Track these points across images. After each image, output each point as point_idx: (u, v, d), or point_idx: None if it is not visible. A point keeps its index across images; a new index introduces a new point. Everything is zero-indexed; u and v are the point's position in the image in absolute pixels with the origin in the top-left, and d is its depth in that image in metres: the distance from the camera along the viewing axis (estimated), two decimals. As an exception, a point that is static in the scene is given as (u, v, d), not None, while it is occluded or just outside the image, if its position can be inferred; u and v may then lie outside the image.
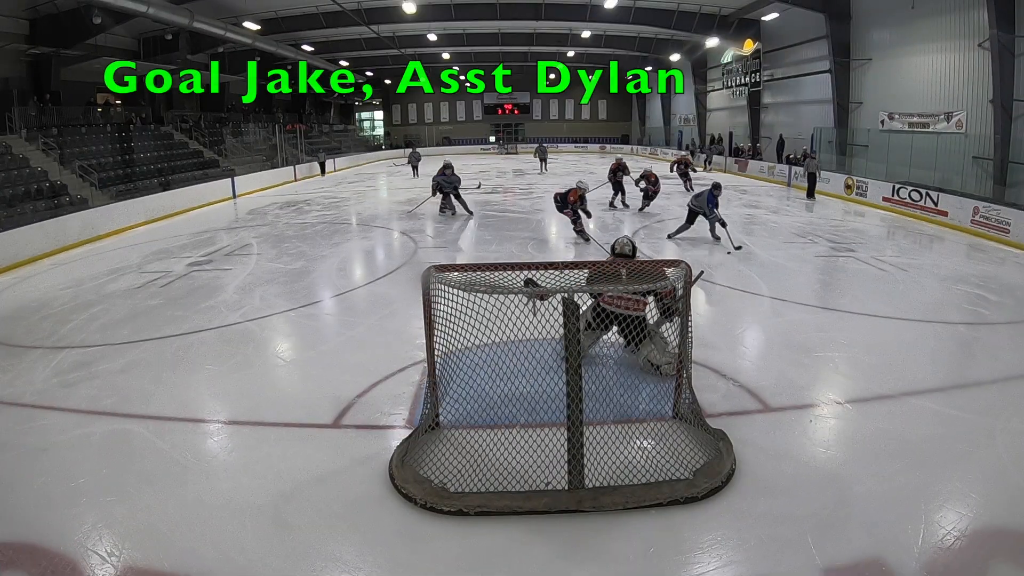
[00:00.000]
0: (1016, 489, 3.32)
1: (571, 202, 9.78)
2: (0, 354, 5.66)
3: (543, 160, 25.32)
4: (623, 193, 13.99)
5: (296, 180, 22.95)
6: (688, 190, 15.62)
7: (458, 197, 13.01)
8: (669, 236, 10.32)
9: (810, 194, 15.63)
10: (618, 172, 13.96)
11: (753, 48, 21.70)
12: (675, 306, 4.50)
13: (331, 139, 34.08)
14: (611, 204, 13.90)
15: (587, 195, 10.14)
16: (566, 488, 3.28)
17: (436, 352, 3.76)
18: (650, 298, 4.63)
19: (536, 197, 16.37)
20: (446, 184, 12.94)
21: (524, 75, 37.71)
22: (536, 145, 27.84)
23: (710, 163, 24.10)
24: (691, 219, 10.06)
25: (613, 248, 5.32)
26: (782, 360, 5.19)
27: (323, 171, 25.80)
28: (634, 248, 5.26)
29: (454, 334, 3.68)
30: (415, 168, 23.62)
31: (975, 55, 12.79)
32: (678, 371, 3.96)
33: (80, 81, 18.88)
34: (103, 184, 14.99)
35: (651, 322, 4.77)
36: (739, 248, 9.23)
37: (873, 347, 5.40)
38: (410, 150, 26.32)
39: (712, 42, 22.57)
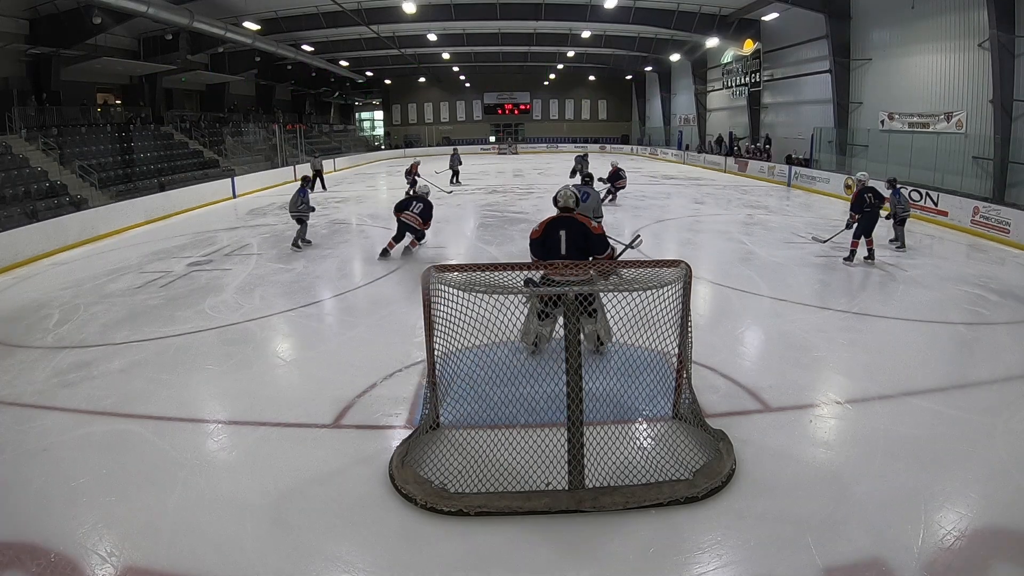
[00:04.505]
0: (1016, 489, 3.32)
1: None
2: (0, 354, 5.66)
3: (455, 173, 18.80)
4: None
5: (235, 196, 17.26)
6: None
7: None
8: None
9: None
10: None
11: (753, 48, 21.71)
12: (612, 268, 4.23)
13: (331, 139, 34.09)
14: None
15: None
16: (566, 488, 3.28)
17: (436, 352, 3.76)
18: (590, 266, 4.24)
19: (537, 197, 16.36)
20: None
21: (524, 75, 37.74)
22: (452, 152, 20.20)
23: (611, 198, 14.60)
24: None
25: (555, 200, 4.99)
26: (782, 360, 5.19)
27: (235, 193, 17.67)
28: (577, 200, 4.98)
29: (454, 334, 3.68)
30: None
31: (975, 55, 12.79)
32: (678, 371, 3.96)
33: (80, 81, 18.87)
34: (103, 184, 15.00)
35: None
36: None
37: (873, 347, 5.40)
38: (311, 159, 18.18)
39: (712, 42, 22.58)
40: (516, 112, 41.01)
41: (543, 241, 4.71)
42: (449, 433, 3.86)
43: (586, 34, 25.77)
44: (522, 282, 4.13)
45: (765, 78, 21.73)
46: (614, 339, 4.67)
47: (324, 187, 19.14)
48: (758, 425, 4.04)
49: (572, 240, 4.63)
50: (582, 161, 16.61)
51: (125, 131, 18.35)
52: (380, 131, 42.63)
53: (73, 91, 18.25)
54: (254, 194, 18.92)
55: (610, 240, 4.98)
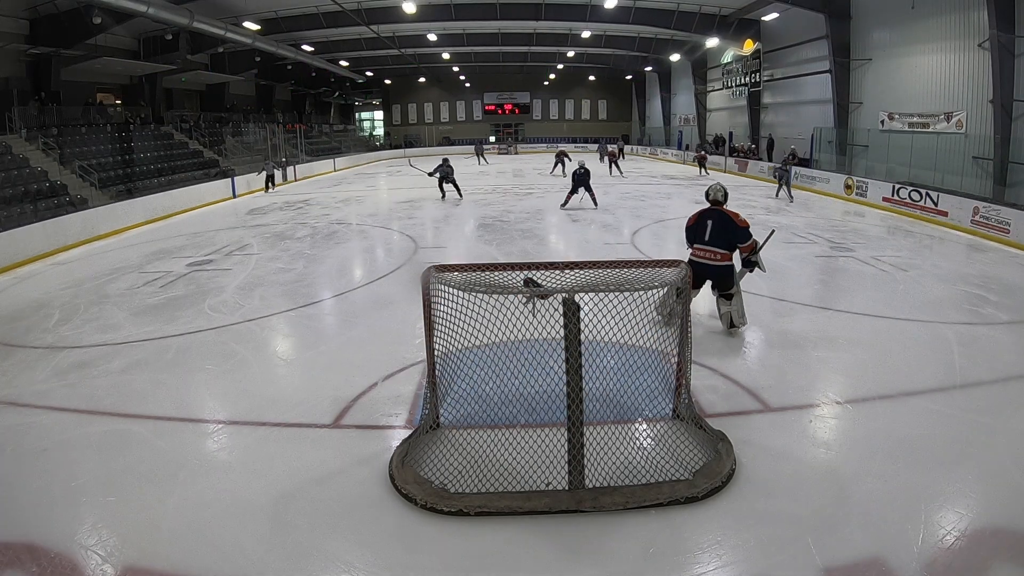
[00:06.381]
0: (1016, 489, 3.31)
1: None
2: (0, 354, 5.66)
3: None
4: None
5: (235, 196, 18.14)
6: None
7: None
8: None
9: None
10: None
11: (753, 48, 21.70)
12: (754, 258, 5.62)
13: (331, 139, 34.09)
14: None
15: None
16: (566, 488, 3.28)
17: (436, 352, 3.76)
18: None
19: (536, 197, 16.37)
20: None
21: (524, 75, 37.74)
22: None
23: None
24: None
25: (707, 194, 5.81)
26: (782, 360, 5.18)
27: (271, 185, 19.55)
28: (726, 194, 5.76)
29: (454, 334, 3.68)
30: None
31: (975, 55, 12.79)
32: (678, 371, 3.96)
33: (80, 81, 18.87)
34: (103, 184, 15.00)
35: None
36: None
37: (873, 347, 5.40)
38: (266, 163, 19.65)
39: (712, 42, 22.58)
40: (516, 112, 41.01)
41: (695, 228, 5.58)
42: (449, 433, 3.86)
43: (586, 34, 25.78)
44: (522, 282, 4.13)
45: (765, 78, 21.72)
46: (745, 321, 5.67)
47: (272, 186, 19.58)
48: (758, 425, 4.04)
49: (717, 229, 5.45)
50: (444, 168, 15.48)
51: (125, 131, 18.35)
52: (380, 131, 42.63)
53: (73, 91, 18.25)
54: (254, 194, 18.92)
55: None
